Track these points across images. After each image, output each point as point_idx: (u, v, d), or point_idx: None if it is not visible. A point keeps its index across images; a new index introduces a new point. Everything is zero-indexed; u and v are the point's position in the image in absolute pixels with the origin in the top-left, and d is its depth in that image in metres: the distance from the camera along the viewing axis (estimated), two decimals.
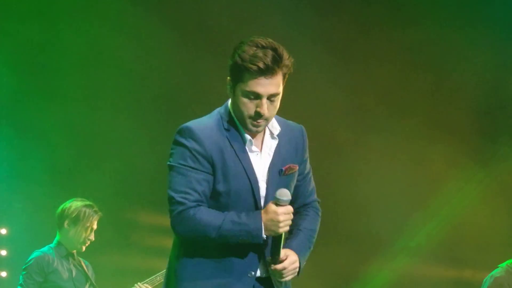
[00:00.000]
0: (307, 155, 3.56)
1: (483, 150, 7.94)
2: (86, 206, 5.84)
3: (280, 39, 3.33)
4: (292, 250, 3.40)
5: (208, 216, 3.28)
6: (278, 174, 3.40)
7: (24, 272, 5.69)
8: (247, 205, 3.33)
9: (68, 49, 7.45)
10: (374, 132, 7.83)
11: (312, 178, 3.60)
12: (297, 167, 3.46)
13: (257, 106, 3.30)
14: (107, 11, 7.47)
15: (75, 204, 5.84)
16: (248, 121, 3.33)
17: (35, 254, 5.76)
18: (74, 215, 5.79)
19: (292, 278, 3.45)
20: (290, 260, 3.36)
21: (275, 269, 3.34)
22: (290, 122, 3.56)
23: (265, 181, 3.37)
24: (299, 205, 3.54)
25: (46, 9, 7.39)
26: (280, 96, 3.34)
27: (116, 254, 7.36)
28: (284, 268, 3.35)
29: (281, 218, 3.26)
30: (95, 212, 5.85)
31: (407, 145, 7.82)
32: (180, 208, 3.28)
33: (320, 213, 3.62)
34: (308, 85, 7.62)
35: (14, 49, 7.40)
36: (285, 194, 3.28)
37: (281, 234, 3.30)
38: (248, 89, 3.29)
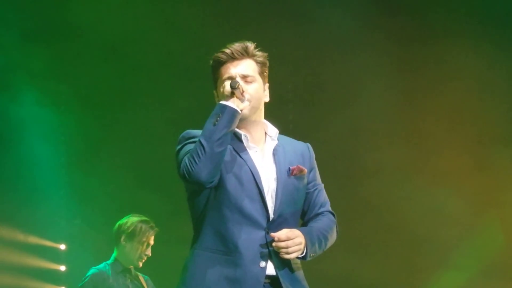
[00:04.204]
0: (315, 166, 3.67)
1: None
2: (142, 221, 5.83)
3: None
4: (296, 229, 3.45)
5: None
6: (286, 174, 3.49)
7: None
8: (251, 194, 3.42)
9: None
10: (431, 137, 7.73)
11: (324, 192, 3.66)
12: (306, 171, 3.56)
13: None
14: None
15: (131, 220, 5.84)
16: None
17: (91, 271, 5.74)
18: (130, 230, 5.78)
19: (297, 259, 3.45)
20: (294, 232, 3.38)
21: (279, 239, 3.34)
22: (297, 141, 3.69)
23: (273, 179, 3.47)
24: (311, 214, 3.61)
25: None
26: (258, 82, 3.50)
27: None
28: (288, 237, 3.35)
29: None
30: (151, 227, 5.83)
31: (470, 152, 7.68)
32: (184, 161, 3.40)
33: (335, 221, 3.64)
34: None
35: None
36: None
37: None
38: (223, 77, 3.48)
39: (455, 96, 7.61)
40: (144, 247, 5.81)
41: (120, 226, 5.84)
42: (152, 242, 5.85)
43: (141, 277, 5.91)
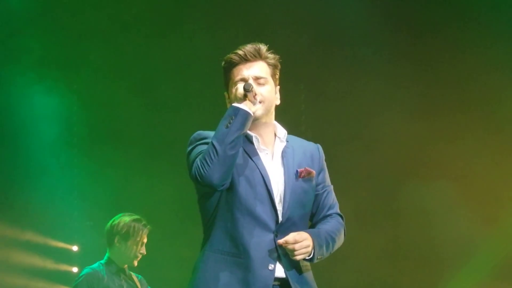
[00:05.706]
0: (325, 168, 3.67)
1: None
2: (134, 220, 5.81)
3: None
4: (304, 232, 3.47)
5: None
6: (294, 177, 3.49)
7: None
8: (261, 197, 3.44)
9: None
10: (444, 139, 7.56)
11: (333, 194, 3.65)
12: (314, 173, 3.55)
13: None
14: None
15: (123, 220, 5.82)
16: None
17: (85, 271, 5.76)
18: (124, 231, 5.76)
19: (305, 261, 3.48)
20: (301, 236, 3.39)
21: (286, 241, 3.36)
22: (307, 141, 3.69)
23: (282, 182, 3.49)
24: (319, 216, 3.61)
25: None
26: (270, 84, 3.50)
27: (171, 268, 7.32)
28: (295, 241, 3.36)
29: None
30: (144, 225, 5.81)
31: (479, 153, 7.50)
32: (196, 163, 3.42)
33: (343, 224, 3.64)
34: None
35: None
36: None
37: None
38: (236, 79, 3.48)
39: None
40: (139, 246, 5.79)
41: (112, 227, 5.82)
42: (145, 240, 5.83)
43: (134, 277, 5.90)
